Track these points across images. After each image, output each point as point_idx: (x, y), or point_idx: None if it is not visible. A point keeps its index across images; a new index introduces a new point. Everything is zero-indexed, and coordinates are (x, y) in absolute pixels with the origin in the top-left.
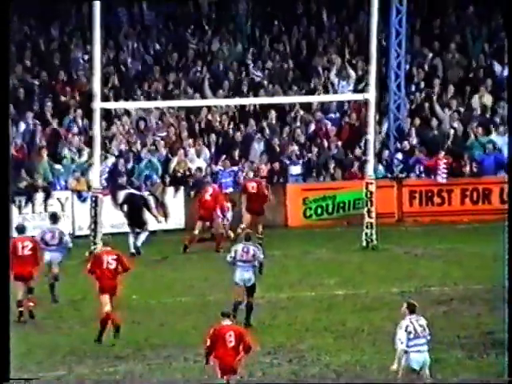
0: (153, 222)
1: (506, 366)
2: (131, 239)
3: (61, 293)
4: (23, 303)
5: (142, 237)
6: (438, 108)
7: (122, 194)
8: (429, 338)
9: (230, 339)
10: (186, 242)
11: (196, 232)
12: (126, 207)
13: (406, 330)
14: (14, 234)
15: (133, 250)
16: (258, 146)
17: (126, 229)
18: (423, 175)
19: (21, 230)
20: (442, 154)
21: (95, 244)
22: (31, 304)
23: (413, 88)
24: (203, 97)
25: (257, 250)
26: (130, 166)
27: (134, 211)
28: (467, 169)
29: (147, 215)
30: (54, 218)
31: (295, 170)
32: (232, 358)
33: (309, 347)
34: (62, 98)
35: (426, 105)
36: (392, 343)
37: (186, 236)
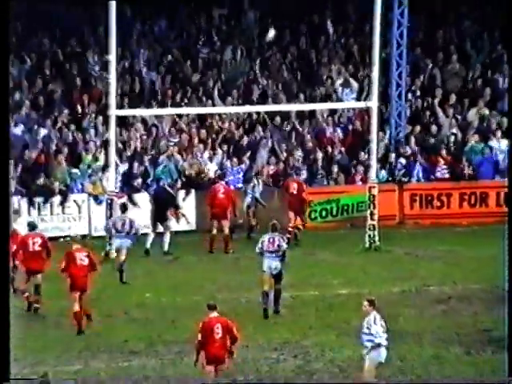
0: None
1: (507, 365)
2: (151, 236)
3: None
4: (30, 298)
5: (167, 239)
6: (440, 113)
7: (153, 188)
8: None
9: (217, 331)
10: (210, 246)
11: (214, 232)
12: (155, 201)
13: (380, 324)
14: (26, 230)
15: (149, 246)
16: (264, 152)
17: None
18: (422, 180)
19: (32, 226)
20: (443, 152)
21: (110, 245)
22: (37, 305)
23: (410, 96)
24: (214, 104)
25: (281, 240)
26: (142, 169)
27: (162, 206)
28: (466, 172)
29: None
30: (124, 207)
31: (301, 174)
32: (219, 348)
33: (313, 343)
34: (79, 106)
35: (427, 112)
36: (393, 339)
37: (201, 237)
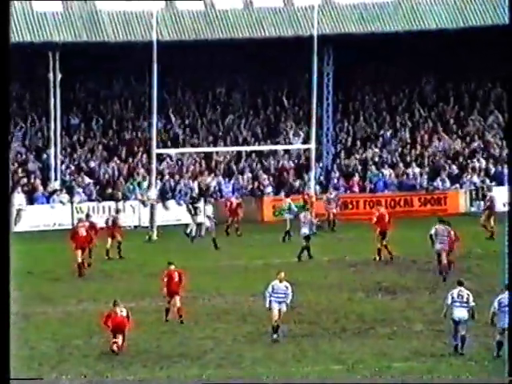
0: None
1: (507, 365)
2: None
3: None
4: (81, 264)
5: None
6: (354, 153)
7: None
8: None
9: (175, 276)
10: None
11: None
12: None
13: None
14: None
15: (188, 231)
16: (246, 176)
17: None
18: (342, 193)
19: (87, 216)
20: (356, 178)
21: (152, 232)
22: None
23: (332, 140)
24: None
25: (310, 217)
26: (171, 185)
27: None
28: (368, 188)
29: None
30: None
31: (268, 189)
32: (176, 286)
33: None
34: (135, 146)
35: (342, 152)
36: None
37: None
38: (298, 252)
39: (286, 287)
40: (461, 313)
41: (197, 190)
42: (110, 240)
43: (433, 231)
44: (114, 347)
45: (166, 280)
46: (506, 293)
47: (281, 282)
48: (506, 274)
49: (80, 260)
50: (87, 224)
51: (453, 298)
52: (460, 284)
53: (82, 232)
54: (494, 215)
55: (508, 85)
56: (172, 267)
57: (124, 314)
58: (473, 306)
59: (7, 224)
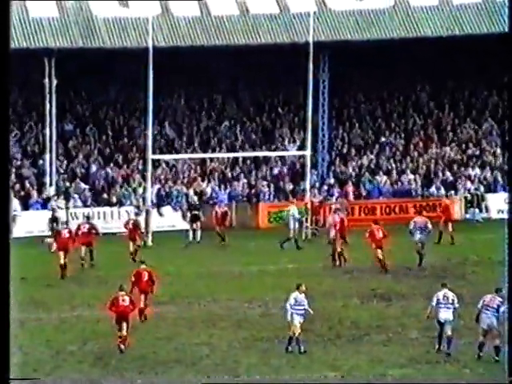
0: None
1: (507, 365)
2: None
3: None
4: (63, 266)
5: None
6: (349, 160)
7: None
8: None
9: (144, 276)
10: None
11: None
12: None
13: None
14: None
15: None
16: (241, 182)
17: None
18: (338, 199)
19: (87, 217)
20: (350, 184)
21: (147, 237)
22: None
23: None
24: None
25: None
26: (164, 192)
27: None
28: (363, 194)
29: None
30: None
31: (264, 195)
32: (146, 285)
33: (272, 298)
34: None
35: (337, 158)
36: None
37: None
38: (293, 259)
39: (305, 299)
40: (446, 314)
41: (195, 198)
42: (131, 244)
43: (411, 225)
44: (122, 346)
45: (133, 279)
46: (490, 295)
47: (301, 293)
48: (506, 281)
49: (62, 262)
50: (87, 226)
51: (438, 299)
52: (444, 286)
53: (65, 234)
54: (451, 222)
55: (508, 90)
56: (142, 266)
57: (127, 302)
58: (457, 307)
59: (7, 226)
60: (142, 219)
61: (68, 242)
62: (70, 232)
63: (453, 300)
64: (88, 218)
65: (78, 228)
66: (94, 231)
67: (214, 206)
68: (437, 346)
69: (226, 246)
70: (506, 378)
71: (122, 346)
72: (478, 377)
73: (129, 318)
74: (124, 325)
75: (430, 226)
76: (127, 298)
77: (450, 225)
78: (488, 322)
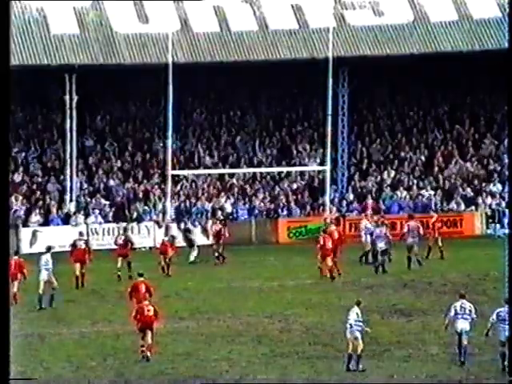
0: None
1: (507, 365)
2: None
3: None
4: (78, 277)
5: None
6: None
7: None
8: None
9: (141, 288)
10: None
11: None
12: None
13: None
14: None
15: (192, 259)
16: (260, 197)
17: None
18: (355, 215)
19: (124, 230)
20: (370, 200)
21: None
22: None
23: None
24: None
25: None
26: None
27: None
28: (382, 209)
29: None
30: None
31: (284, 211)
32: (143, 297)
33: (292, 313)
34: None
35: (357, 174)
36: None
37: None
38: (312, 274)
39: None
40: (463, 324)
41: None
42: (162, 257)
43: (405, 229)
44: (148, 353)
45: (130, 291)
46: (504, 309)
47: (360, 309)
48: (507, 287)
49: (78, 273)
50: (83, 244)
51: (456, 310)
52: (462, 297)
53: (81, 245)
54: (440, 236)
55: None
56: (140, 279)
57: (151, 312)
58: (474, 317)
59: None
60: (161, 234)
61: (84, 253)
62: (86, 244)
63: (470, 311)
64: (125, 230)
65: (116, 240)
66: (129, 244)
67: (235, 220)
68: (458, 358)
69: (244, 260)
70: (506, 378)
71: (148, 354)
72: (478, 377)
73: (153, 327)
74: (149, 333)
75: (421, 231)
76: (152, 308)
77: (439, 240)
78: (504, 334)
